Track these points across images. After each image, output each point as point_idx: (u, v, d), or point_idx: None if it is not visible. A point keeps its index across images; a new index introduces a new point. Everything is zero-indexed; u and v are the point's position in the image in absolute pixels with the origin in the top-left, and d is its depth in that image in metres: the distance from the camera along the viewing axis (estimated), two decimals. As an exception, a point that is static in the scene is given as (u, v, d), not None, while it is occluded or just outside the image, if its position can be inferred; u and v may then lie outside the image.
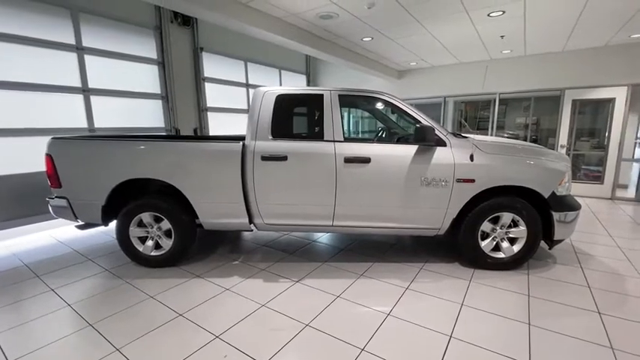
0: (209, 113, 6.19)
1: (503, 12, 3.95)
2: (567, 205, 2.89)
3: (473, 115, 8.25)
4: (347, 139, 2.88)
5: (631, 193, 5.93)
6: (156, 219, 3.01)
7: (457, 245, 3.07)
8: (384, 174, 2.81)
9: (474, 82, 6.76)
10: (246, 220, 2.97)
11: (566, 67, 5.79)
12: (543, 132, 7.39)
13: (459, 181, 2.79)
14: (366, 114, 7.47)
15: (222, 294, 2.59)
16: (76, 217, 3.02)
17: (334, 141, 2.85)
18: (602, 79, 5.53)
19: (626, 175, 6.34)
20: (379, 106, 3.15)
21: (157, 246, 3.07)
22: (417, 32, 4.64)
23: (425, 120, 2.86)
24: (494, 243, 2.95)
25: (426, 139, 2.70)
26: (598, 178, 6.02)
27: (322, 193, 2.86)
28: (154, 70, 5.25)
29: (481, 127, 7.89)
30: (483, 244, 2.94)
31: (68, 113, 4.31)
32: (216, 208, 2.94)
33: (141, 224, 3.02)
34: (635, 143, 6.30)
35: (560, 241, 2.96)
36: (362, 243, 3.68)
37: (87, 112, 4.45)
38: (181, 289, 2.68)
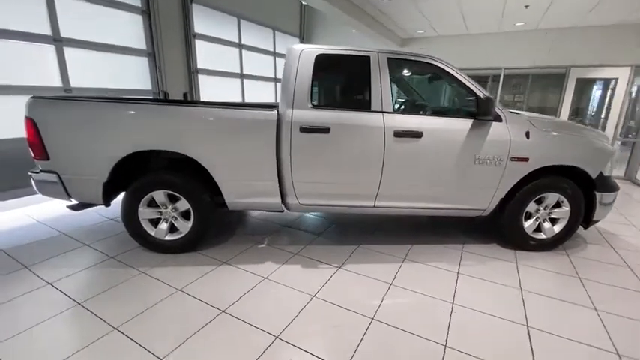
0: (200, 76, 5.49)
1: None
2: (610, 186, 2.84)
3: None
4: (396, 110, 2.56)
5: (620, 171, 6.23)
6: (170, 198, 2.57)
7: (497, 226, 2.97)
8: (436, 150, 2.55)
9: (479, 55, 6.55)
10: (279, 199, 2.62)
11: (575, 43, 5.74)
12: (534, 110, 7.49)
13: (513, 159, 2.60)
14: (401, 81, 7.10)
15: (262, 284, 2.28)
16: (68, 196, 2.49)
17: (383, 112, 2.52)
18: (608, 58, 5.55)
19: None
20: (429, 73, 2.83)
21: (172, 229, 2.65)
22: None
23: (483, 92, 2.60)
24: (537, 224, 2.87)
25: (488, 113, 2.45)
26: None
27: (367, 171, 2.57)
28: (137, 21, 4.45)
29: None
30: (527, 225, 2.84)
31: (36, 68, 3.53)
32: (244, 186, 2.55)
33: (152, 204, 2.57)
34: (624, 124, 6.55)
35: (596, 221, 2.94)
36: (387, 224, 3.48)
37: (60, 68, 3.68)
38: (211, 279, 2.33)
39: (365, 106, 2.52)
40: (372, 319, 1.94)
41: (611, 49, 5.51)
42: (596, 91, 6.21)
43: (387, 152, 2.51)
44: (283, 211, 2.76)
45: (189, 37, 5.13)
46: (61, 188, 2.45)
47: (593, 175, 2.73)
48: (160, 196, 2.52)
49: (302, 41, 8.16)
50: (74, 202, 2.59)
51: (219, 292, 2.17)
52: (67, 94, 2.76)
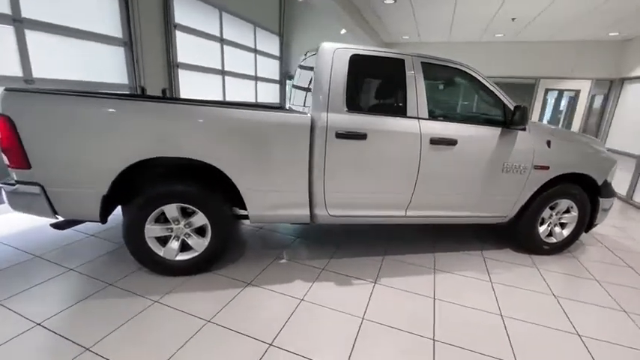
0: (180, 71, 4.99)
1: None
2: (610, 192, 3.04)
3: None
4: (431, 117, 2.47)
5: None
6: (183, 212, 2.22)
7: (512, 231, 3.03)
8: (469, 158, 2.52)
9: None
10: (307, 211, 2.39)
11: (544, 56, 6.22)
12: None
13: (536, 167, 2.67)
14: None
15: (301, 307, 2.04)
16: (54, 212, 2.03)
17: (418, 118, 2.42)
18: (572, 71, 6.09)
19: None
20: (458, 80, 2.79)
21: (183, 247, 2.29)
22: (446, 2, 4.30)
23: (509, 101, 2.62)
24: (549, 229, 2.98)
25: (523, 122, 2.46)
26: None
27: (402, 179, 2.45)
28: (113, 5, 3.88)
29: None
30: (541, 230, 2.94)
31: (-12, 53, 2.88)
32: (272, 197, 2.28)
33: (159, 219, 2.20)
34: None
35: (596, 225, 3.14)
36: (398, 231, 3.41)
37: (20, 54, 3.05)
38: (241, 304, 2.04)
39: (401, 111, 2.40)
40: (434, 340, 1.82)
41: (575, 63, 6.05)
42: (562, 102, 6.80)
43: (423, 160, 2.42)
44: (308, 224, 2.53)
45: (169, 27, 4.62)
46: (44, 203, 1.98)
47: (600, 182, 2.90)
48: (172, 210, 2.16)
49: (282, 39, 7.87)
50: (59, 218, 2.12)
51: (256, 320, 1.90)
52: (55, 89, 2.26)
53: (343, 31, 6.63)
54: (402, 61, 2.43)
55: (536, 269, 2.75)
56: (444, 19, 4.98)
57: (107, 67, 3.91)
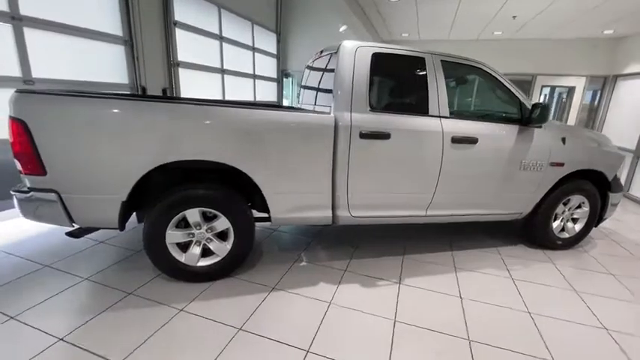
0: (181, 70, 4.85)
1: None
2: (619, 186, 3.10)
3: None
4: (452, 115, 2.46)
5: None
6: (205, 216, 2.15)
7: (526, 227, 3.07)
8: (489, 156, 2.52)
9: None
10: (330, 212, 2.35)
11: (541, 54, 6.32)
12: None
13: (552, 164, 2.70)
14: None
15: (331, 311, 2.01)
16: (70, 220, 1.93)
17: (440, 116, 2.41)
18: (568, 68, 6.21)
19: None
20: (476, 77, 2.79)
21: (204, 252, 2.22)
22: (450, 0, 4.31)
23: (525, 99, 2.63)
24: (562, 224, 3.02)
25: (545, 120, 2.48)
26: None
27: (424, 179, 2.44)
28: (113, 2, 3.73)
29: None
30: (554, 225, 2.98)
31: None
32: (295, 199, 2.24)
33: (180, 224, 2.12)
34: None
35: (604, 219, 3.20)
36: (409, 230, 3.40)
37: (19, 53, 2.90)
38: (270, 310, 1.99)
39: (423, 110, 2.39)
40: (470, 340, 1.81)
41: (571, 61, 6.18)
42: (558, 98, 6.94)
43: (445, 159, 2.41)
44: (330, 225, 2.49)
45: (169, 25, 4.48)
46: (60, 211, 1.88)
47: (610, 177, 2.96)
48: (194, 214, 2.09)
49: (278, 37, 7.76)
50: (75, 226, 2.02)
51: (288, 326, 1.85)
52: (69, 90, 2.15)
53: (342, 29, 6.58)
54: (423, 59, 2.41)
55: (552, 264, 2.78)
56: (446, 17, 5.00)
57: (107, 66, 3.76)
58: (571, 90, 6.42)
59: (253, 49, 6.83)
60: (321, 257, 2.71)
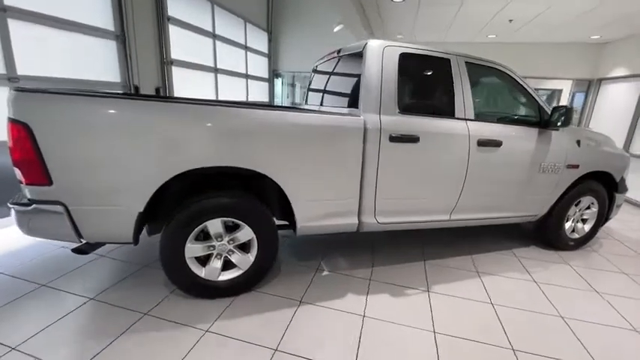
0: (174, 68, 4.60)
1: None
2: (624, 188, 3.19)
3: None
4: (477, 118, 2.42)
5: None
6: (226, 227, 1.98)
7: (539, 229, 3.09)
8: (512, 159, 2.51)
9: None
10: (356, 219, 2.25)
11: (531, 57, 6.50)
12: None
13: (568, 166, 2.72)
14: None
15: (367, 325, 1.90)
16: (78, 236, 1.72)
17: (465, 119, 2.36)
18: (555, 71, 6.43)
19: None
20: (496, 80, 2.76)
21: (224, 266, 2.06)
22: (455, 1, 4.31)
23: (543, 101, 2.64)
24: (573, 225, 3.06)
25: (567, 123, 2.48)
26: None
27: (451, 183, 2.38)
28: (103, -6, 3.46)
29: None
30: (566, 226, 3.02)
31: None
32: (322, 206, 2.11)
33: (199, 237, 1.95)
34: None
35: (609, 219, 3.29)
36: (420, 233, 3.36)
37: (3, 48, 2.60)
38: (303, 326, 1.85)
39: (449, 112, 2.33)
40: (514, 349, 1.76)
41: (558, 64, 6.39)
42: (546, 100, 7.17)
43: (471, 162, 2.36)
44: (354, 231, 2.38)
45: (162, 20, 4.22)
46: (67, 225, 1.67)
47: (617, 178, 3.03)
48: (216, 225, 1.92)
49: (270, 36, 7.57)
50: (82, 241, 1.80)
51: (328, 344, 1.73)
52: (79, 90, 1.93)
53: (337, 29, 6.50)
54: (448, 60, 2.36)
55: (568, 266, 2.81)
56: (445, 19, 5.03)
57: (98, 63, 3.48)
58: (558, 92, 6.65)
59: (246, 47, 6.62)
60: (341, 265, 2.60)
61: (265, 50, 7.54)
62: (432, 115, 2.28)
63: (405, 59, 2.22)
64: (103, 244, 1.95)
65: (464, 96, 2.36)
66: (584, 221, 3.11)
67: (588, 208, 3.06)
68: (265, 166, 1.89)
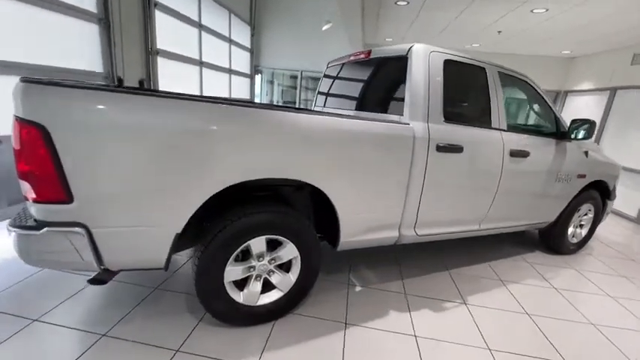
0: (159, 59, 4.13)
1: (547, 10, 4.20)
2: (614, 196, 3.45)
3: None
4: (508, 128, 2.43)
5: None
6: (268, 245, 1.76)
7: (545, 235, 3.23)
8: (537, 169, 2.56)
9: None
10: (397, 232, 2.14)
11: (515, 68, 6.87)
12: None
13: (578, 176, 2.85)
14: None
15: (423, 346, 1.79)
16: (100, 262, 1.40)
17: (500, 129, 2.36)
18: (540, 83, 6.86)
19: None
20: (521, 91, 2.80)
21: (264, 288, 1.83)
22: (457, 8, 4.37)
23: (559, 113, 2.73)
24: (573, 231, 3.24)
25: (589, 135, 2.58)
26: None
27: (485, 193, 2.37)
28: (84, -33, 2.96)
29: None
30: (569, 232, 3.18)
31: None
32: (367, 219, 1.97)
33: (237, 257, 1.71)
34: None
35: (599, 224, 3.54)
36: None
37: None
38: (358, 352, 1.70)
39: (487, 122, 2.31)
40: (568, 364, 1.77)
41: (542, 76, 6.83)
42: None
43: (504, 172, 2.37)
44: (393, 245, 2.27)
45: (149, 5, 3.76)
46: (87, 252, 1.34)
47: (611, 187, 3.26)
48: (259, 244, 1.69)
49: (253, 30, 7.20)
50: (102, 268, 1.47)
51: (391, 372, 1.59)
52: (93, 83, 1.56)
53: (326, 27, 6.34)
54: (485, 69, 2.33)
55: (574, 270, 2.96)
56: (440, 24, 5.11)
57: (77, 49, 2.98)
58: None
59: (230, 40, 6.22)
60: (371, 279, 2.47)
61: (248, 45, 7.16)
62: (474, 125, 2.24)
63: (449, 66, 2.15)
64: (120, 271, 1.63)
65: (498, 106, 2.35)
66: (581, 227, 3.31)
67: (586, 214, 3.26)
68: (317, 178, 1.70)
